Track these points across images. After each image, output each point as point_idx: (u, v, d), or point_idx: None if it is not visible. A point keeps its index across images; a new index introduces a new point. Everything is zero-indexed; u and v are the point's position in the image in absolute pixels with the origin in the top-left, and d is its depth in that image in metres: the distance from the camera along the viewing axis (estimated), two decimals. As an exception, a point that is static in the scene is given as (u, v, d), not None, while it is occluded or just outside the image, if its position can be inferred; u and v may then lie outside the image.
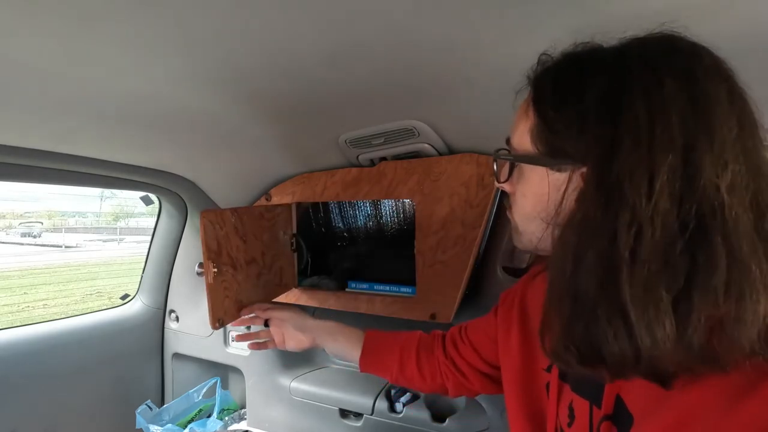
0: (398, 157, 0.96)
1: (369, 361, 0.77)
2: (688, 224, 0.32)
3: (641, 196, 0.32)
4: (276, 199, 1.14)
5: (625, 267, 0.32)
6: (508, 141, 0.47)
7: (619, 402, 0.41)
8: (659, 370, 0.34)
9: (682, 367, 0.33)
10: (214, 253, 0.80)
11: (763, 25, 0.47)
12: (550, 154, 0.41)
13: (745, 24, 0.48)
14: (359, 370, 0.78)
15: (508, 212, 0.50)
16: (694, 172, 0.32)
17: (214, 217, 0.80)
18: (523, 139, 0.43)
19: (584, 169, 0.38)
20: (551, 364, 0.51)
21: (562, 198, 0.39)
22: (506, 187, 0.48)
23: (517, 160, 0.45)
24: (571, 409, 0.47)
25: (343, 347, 0.79)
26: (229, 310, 0.84)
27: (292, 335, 0.81)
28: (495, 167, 0.49)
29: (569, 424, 0.47)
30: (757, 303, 0.31)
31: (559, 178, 0.40)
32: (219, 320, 0.80)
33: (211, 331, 1.34)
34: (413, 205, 1.01)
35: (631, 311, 0.32)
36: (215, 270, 0.79)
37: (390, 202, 1.15)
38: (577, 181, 0.39)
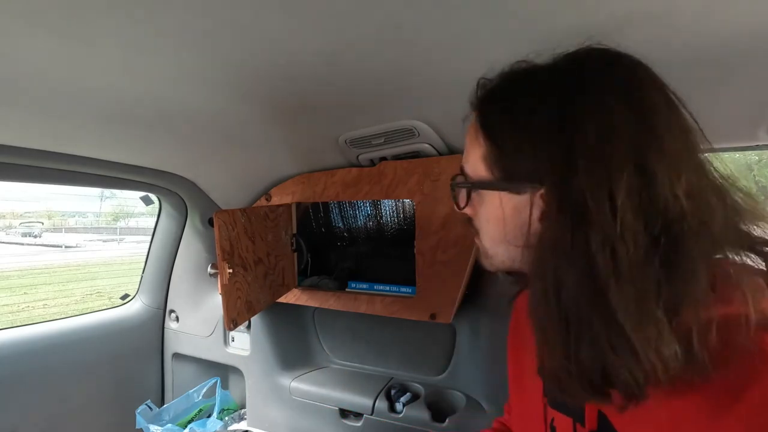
0: (398, 157, 0.96)
1: None
2: (659, 237, 0.32)
3: (606, 215, 0.32)
4: (276, 199, 1.14)
5: (613, 285, 0.32)
6: (462, 168, 0.47)
7: (602, 418, 0.40)
8: (655, 387, 0.32)
9: (673, 378, 0.31)
10: (228, 254, 0.79)
11: (757, 27, 0.47)
12: (507, 178, 0.41)
13: (736, 27, 0.48)
14: None
15: (476, 238, 0.49)
16: (651, 185, 0.33)
17: (227, 218, 0.80)
18: (478, 167, 0.43)
19: (542, 191, 0.38)
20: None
21: (528, 220, 0.39)
22: (468, 211, 0.48)
23: (474, 186, 0.45)
24: (552, 428, 0.46)
25: None
26: (241, 311, 0.84)
27: None
28: (453, 195, 0.49)
29: None
30: (746, 296, 0.31)
31: (521, 200, 0.40)
32: (233, 321, 0.80)
33: (211, 330, 1.34)
34: (413, 205, 1.01)
35: (631, 333, 0.31)
36: (230, 271, 0.79)
37: (390, 202, 1.15)
38: (538, 203, 0.38)
